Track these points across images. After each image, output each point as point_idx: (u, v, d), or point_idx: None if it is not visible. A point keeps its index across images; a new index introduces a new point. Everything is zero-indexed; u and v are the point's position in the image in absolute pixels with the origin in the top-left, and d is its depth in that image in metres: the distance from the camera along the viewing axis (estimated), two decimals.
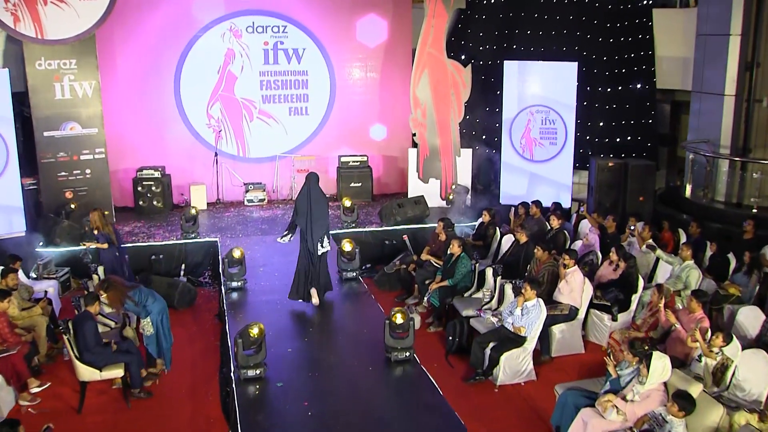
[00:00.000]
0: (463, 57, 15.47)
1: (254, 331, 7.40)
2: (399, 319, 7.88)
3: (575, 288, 9.37)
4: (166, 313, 8.45)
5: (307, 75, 15.28)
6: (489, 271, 10.25)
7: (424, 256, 11.11)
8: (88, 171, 13.36)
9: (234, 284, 10.18)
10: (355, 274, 10.61)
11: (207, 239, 12.53)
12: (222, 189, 14.97)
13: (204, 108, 14.92)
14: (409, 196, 14.32)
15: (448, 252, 10.35)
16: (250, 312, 9.49)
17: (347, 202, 13.19)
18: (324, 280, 9.74)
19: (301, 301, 9.64)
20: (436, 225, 11.44)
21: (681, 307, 8.89)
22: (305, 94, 15.37)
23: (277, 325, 8.98)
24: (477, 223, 12.55)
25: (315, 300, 9.54)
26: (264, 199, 14.80)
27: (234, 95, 15.02)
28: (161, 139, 14.76)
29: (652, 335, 8.62)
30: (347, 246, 10.69)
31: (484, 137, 15.02)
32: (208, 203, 14.72)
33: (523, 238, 10.68)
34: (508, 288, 9.61)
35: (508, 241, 11.50)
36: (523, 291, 8.62)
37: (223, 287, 10.26)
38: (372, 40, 15.36)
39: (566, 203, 13.77)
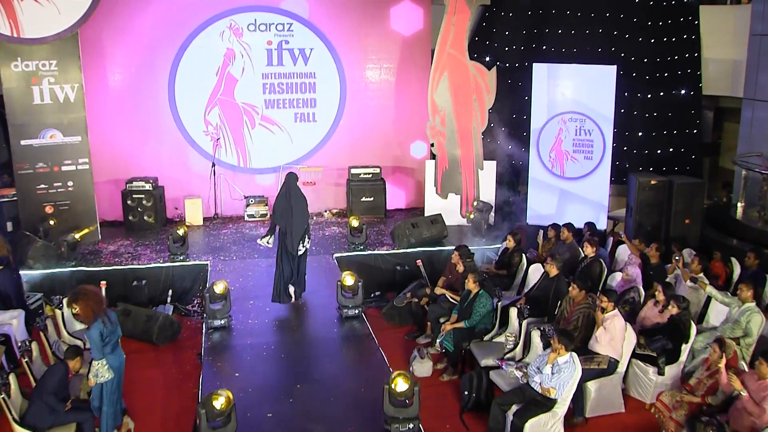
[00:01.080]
0: (487, 59, 13.99)
1: (220, 401, 6.01)
2: (401, 385, 6.45)
3: (615, 336, 7.89)
4: (121, 373, 7.06)
5: (314, 78, 13.88)
6: (513, 313, 8.81)
7: (439, 290, 9.69)
8: (70, 183, 12.09)
9: (217, 322, 8.82)
10: (357, 311, 9.20)
11: (196, 262, 11.22)
12: (220, 203, 13.65)
13: (201, 114, 13.59)
14: (425, 214, 12.96)
15: (465, 288, 8.92)
16: (231, 359, 8.15)
17: (355, 222, 11.79)
18: (301, 281, 9.76)
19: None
20: (453, 249, 9.98)
21: (745, 365, 7.39)
22: (312, 99, 13.98)
23: (259, 378, 7.65)
24: (500, 249, 11.13)
25: (292, 296, 9.62)
26: (266, 215, 13.45)
27: (234, 100, 13.69)
28: (153, 147, 13.47)
29: (710, 401, 7.11)
30: (348, 279, 9.29)
31: (509, 148, 13.55)
32: (204, 218, 13.42)
33: (554, 271, 9.20)
34: (536, 336, 8.16)
35: (536, 271, 10.05)
36: (553, 344, 7.18)
37: (204, 326, 8.91)
38: (387, 39, 13.93)
39: (601, 224, 12.24)
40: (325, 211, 14.00)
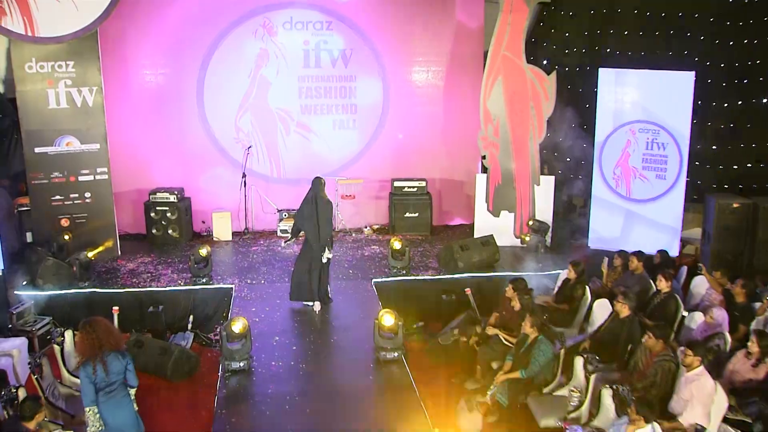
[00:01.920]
0: (544, 62, 12.63)
1: None
2: None
3: (703, 400, 6.57)
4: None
5: (355, 81, 12.77)
6: (578, 363, 7.51)
7: (491, 330, 8.43)
8: (87, 194, 11.15)
9: (235, 365, 7.71)
10: (396, 355, 8.00)
11: (220, 286, 10.15)
12: (251, 216, 12.57)
13: (232, 119, 12.62)
14: (475, 232, 11.85)
15: (522, 332, 7.66)
16: (249, 413, 7.03)
17: (397, 244, 10.58)
18: (324, 295, 9.50)
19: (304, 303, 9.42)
20: (506, 276, 8.73)
21: None
22: (353, 105, 12.86)
23: None
24: (559, 278, 9.85)
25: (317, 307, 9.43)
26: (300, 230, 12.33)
27: (267, 104, 12.64)
28: (179, 156, 12.49)
29: None
30: (387, 320, 8.08)
31: (569, 161, 12.24)
32: (233, 233, 12.37)
33: (625, 312, 7.89)
34: (606, 395, 6.84)
35: (602, 308, 8.75)
36: (630, 415, 5.93)
37: (220, 369, 7.81)
38: (435, 40, 12.71)
39: (674, 250, 10.85)
40: (365, 227, 12.85)
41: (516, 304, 8.35)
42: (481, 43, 12.70)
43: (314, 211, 9.15)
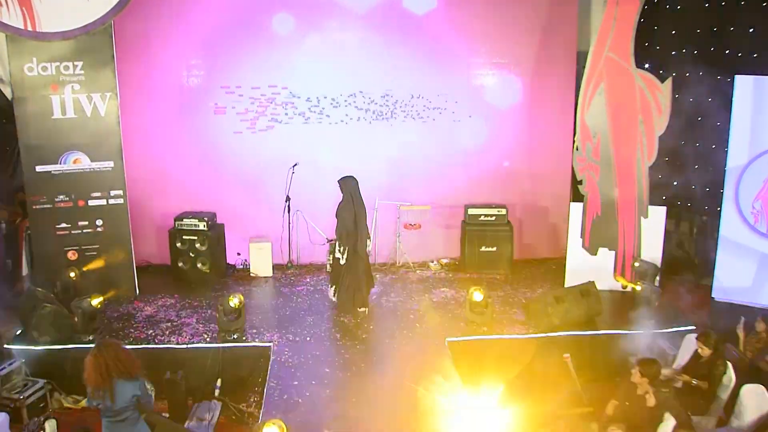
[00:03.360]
0: (646, 67, 10.18)
1: None
2: None
3: None
4: None
5: None
6: None
7: (614, 430, 6.23)
8: (99, 222, 9.23)
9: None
10: None
11: (255, 344, 8.13)
12: (296, 247, 10.52)
13: None
14: (567, 276, 9.75)
15: None
16: None
17: (477, 295, 8.42)
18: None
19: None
20: (610, 336, 6.67)
21: None
22: None
23: None
24: (685, 345, 7.67)
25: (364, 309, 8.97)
26: None
27: None
28: (211, 175, 10.48)
29: None
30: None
31: (690, 189, 10.00)
32: (274, 266, 10.35)
33: None
34: None
35: (754, 395, 6.54)
36: None
37: None
38: (517, 38, 10.52)
39: None
40: (432, 262, 10.71)
41: (651, 400, 6.16)
42: (573, 42, 10.49)
43: (356, 213, 8.68)
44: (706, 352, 7.12)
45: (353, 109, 10.49)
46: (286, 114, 10.41)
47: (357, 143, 10.55)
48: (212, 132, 10.34)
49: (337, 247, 8.87)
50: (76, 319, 8.06)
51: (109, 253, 9.27)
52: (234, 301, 8.09)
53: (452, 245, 10.78)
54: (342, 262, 8.78)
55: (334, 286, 9.09)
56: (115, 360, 5.45)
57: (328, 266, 10.22)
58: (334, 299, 9.12)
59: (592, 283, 8.76)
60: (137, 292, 9.52)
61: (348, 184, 8.75)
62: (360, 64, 10.35)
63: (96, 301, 8.09)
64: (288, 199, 10.13)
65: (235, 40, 10.09)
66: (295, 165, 10.11)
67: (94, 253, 9.24)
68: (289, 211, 10.18)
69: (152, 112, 10.14)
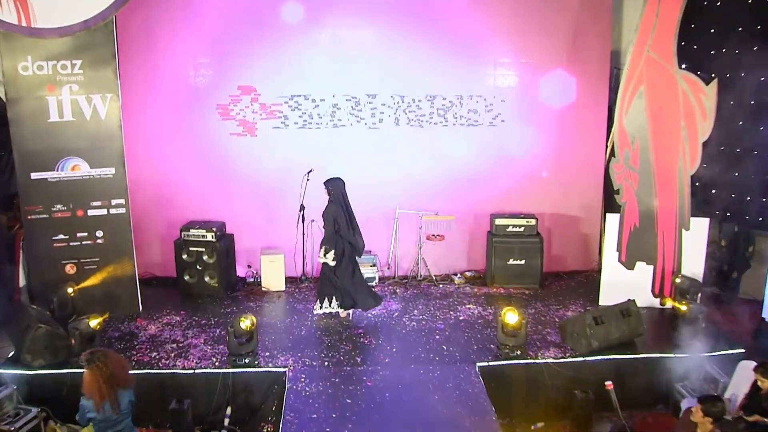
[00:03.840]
0: (683, 67, 9.49)
1: None
2: None
3: None
4: None
5: None
6: None
7: None
8: (99, 233, 8.55)
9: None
10: None
11: (269, 369, 7.44)
12: (310, 259, 9.83)
13: None
14: (601, 294, 9.06)
15: None
16: None
17: (511, 317, 7.71)
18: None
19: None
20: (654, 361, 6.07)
21: None
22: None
23: None
24: (738, 374, 7.00)
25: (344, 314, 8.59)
26: (374, 279, 9.63)
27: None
28: (219, 182, 9.81)
29: None
30: None
31: (733, 197, 9.30)
32: (287, 279, 9.66)
33: None
34: None
35: None
36: None
37: None
38: (547, 34, 9.82)
39: None
40: (456, 275, 10.03)
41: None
42: (607, 39, 9.81)
43: (350, 215, 8.35)
44: (766, 384, 6.44)
45: (370, 111, 9.79)
46: (302, 116, 9.71)
47: (374, 148, 9.87)
48: (220, 136, 9.65)
49: (324, 252, 8.27)
50: (73, 341, 7.38)
51: (110, 266, 8.59)
52: (245, 323, 7.40)
53: (476, 257, 10.11)
54: (332, 264, 8.30)
55: (325, 299, 8.47)
56: (120, 369, 5.50)
57: None
58: (320, 312, 8.55)
59: (632, 302, 8.05)
60: (140, 308, 8.84)
61: (337, 186, 8.29)
62: (377, 63, 9.68)
63: (95, 322, 7.40)
64: (302, 208, 9.44)
65: (245, 37, 9.41)
66: (310, 171, 9.42)
67: (94, 266, 8.57)
68: (303, 221, 9.50)
69: (156, 114, 9.46)
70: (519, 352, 7.66)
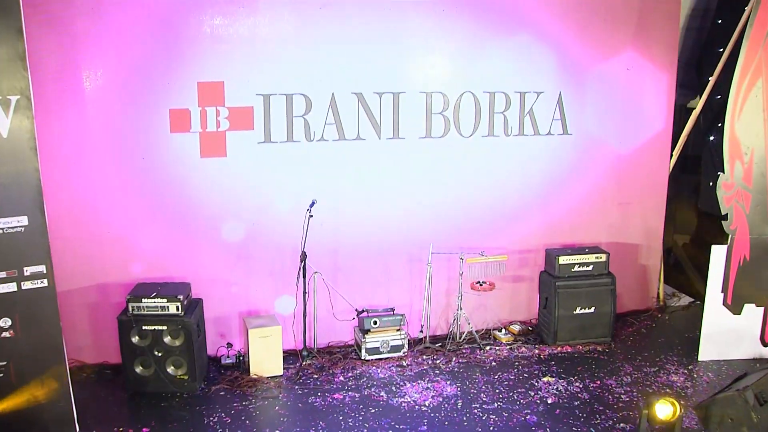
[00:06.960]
0: None
1: None
2: None
3: None
4: None
5: None
6: None
7: None
8: (6, 323, 5.32)
9: None
10: None
11: None
12: (313, 325, 7.00)
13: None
14: (702, 347, 7.05)
15: None
16: None
17: (663, 409, 5.32)
18: None
19: None
20: None
21: None
22: None
23: None
24: None
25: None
26: (402, 346, 6.99)
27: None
28: (179, 221, 6.69)
29: None
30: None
31: None
32: (285, 354, 6.77)
33: None
34: None
35: None
36: None
37: None
38: (611, 26, 7.51)
39: None
40: (500, 331, 7.59)
41: None
42: (675, 28, 7.74)
43: None
44: None
45: (381, 121, 7.09)
46: (291, 127, 6.84)
47: (394, 167, 7.18)
48: (176, 157, 6.55)
49: None
50: None
51: (27, 375, 5.41)
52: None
53: (518, 302, 7.70)
54: None
55: None
56: None
57: (362, 351, 6.88)
58: None
59: None
60: (76, 427, 5.71)
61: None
62: (396, 49, 6.99)
63: None
64: (304, 256, 6.61)
65: (208, 15, 6.40)
66: (313, 204, 6.61)
67: (1, 374, 5.36)
68: (304, 275, 6.67)
69: (83, 129, 6.24)
70: None
